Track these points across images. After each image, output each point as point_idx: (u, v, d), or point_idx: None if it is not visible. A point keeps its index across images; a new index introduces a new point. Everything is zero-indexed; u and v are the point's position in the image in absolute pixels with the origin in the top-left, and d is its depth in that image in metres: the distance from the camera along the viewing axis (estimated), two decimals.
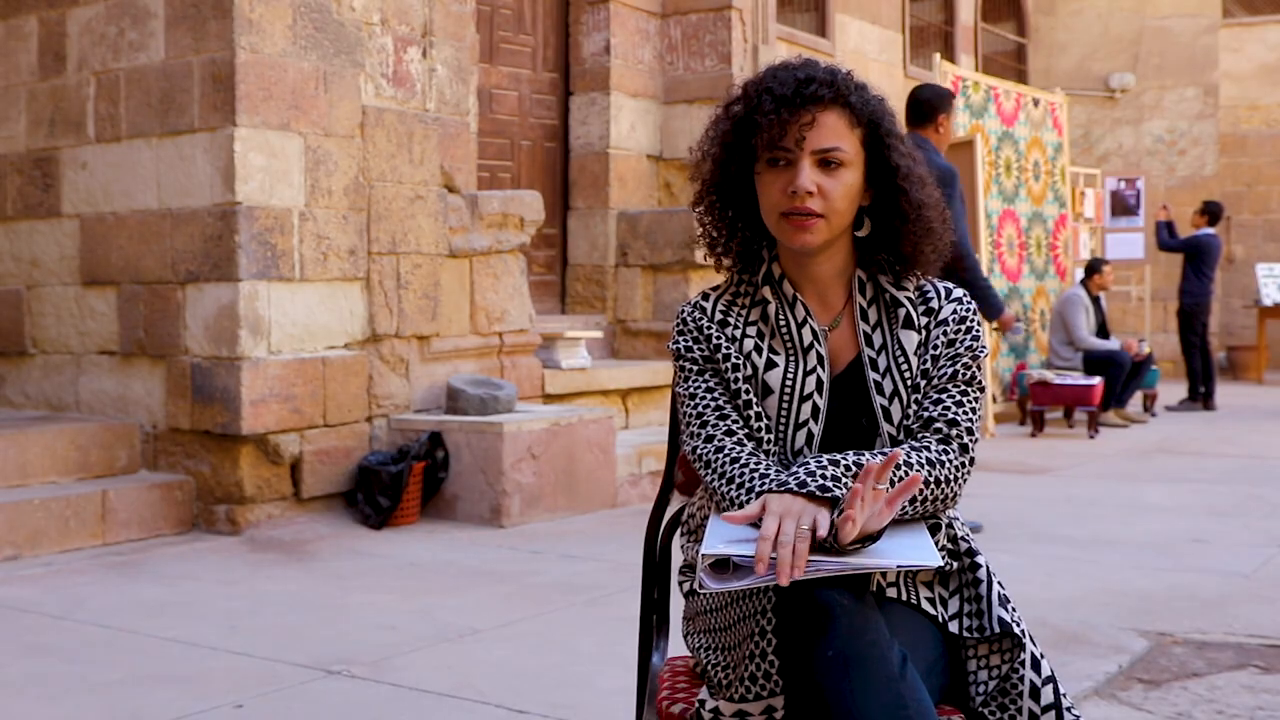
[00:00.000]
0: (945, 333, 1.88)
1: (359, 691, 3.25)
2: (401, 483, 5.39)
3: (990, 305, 5.66)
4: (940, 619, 1.78)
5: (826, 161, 1.81)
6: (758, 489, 1.73)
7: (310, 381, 5.50)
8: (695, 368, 1.91)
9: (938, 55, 9.31)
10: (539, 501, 5.67)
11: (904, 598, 1.77)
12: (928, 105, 5.38)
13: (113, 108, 5.64)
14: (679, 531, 2.06)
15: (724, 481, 1.80)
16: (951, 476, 1.80)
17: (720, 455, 1.83)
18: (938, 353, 1.87)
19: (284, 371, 5.40)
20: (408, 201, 5.93)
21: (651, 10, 8.36)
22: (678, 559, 2.01)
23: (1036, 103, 10.19)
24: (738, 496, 1.77)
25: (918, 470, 1.75)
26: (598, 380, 7.02)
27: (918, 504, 1.76)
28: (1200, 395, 11.11)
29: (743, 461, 1.80)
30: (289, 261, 5.43)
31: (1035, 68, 14.51)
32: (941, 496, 1.80)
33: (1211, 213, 11.29)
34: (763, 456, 1.83)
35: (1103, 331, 9.86)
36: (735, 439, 1.84)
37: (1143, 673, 3.42)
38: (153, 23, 5.48)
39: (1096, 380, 9.14)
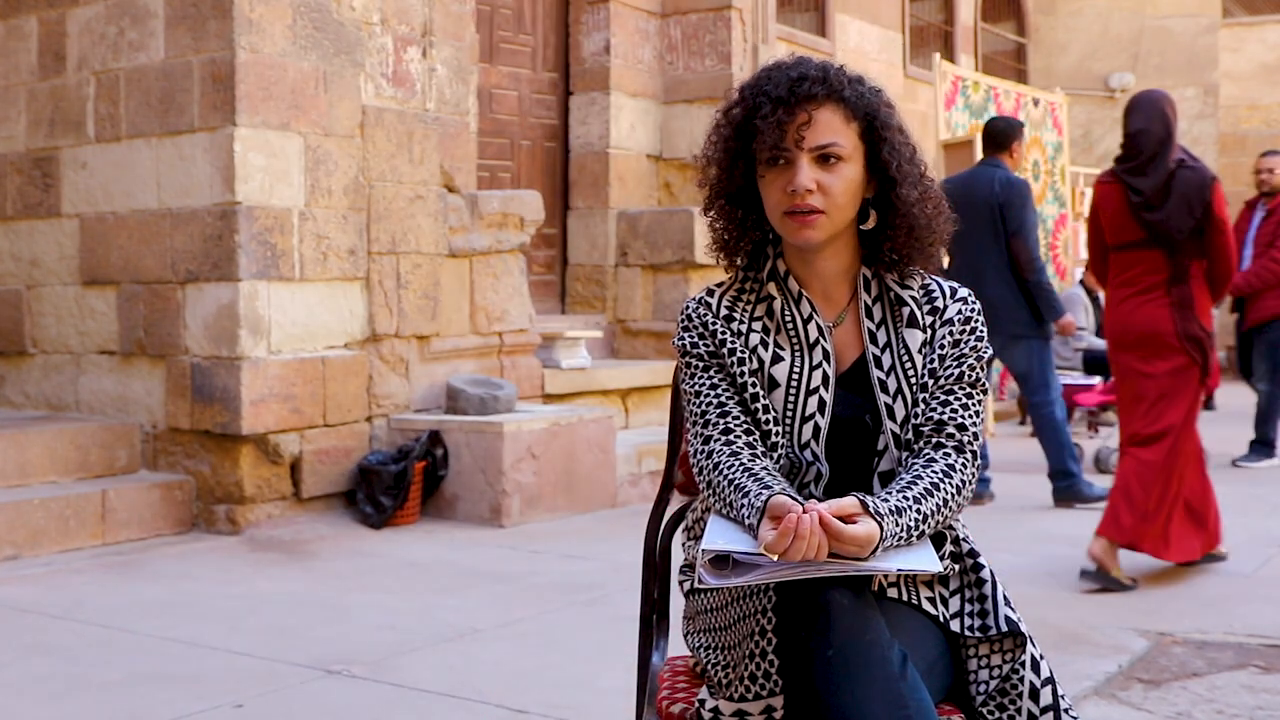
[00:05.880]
0: (951, 333, 1.88)
1: (359, 691, 3.25)
2: (403, 482, 5.39)
3: (1052, 307, 6.21)
4: (941, 618, 1.78)
5: (825, 158, 1.81)
6: (745, 519, 1.73)
7: (310, 381, 5.50)
8: (701, 364, 1.90)
9: (938, 55, 9.31)
10: (539, 501, 5.67)
11: (904, 598, 1.77)
12: (1002, 135, 6.29)
13: (113, 107, 5.64)
14: (679, 530, 2.06)
15: (711, 492, 1.82)
16: (965, 483, 1.81)
17: (708, 462, 1.83)
18: (944, 353, 1.87)
19: (284, 371, 5.40)
20: (407, 201, 5.93)
21: (651, 10, 8.35)
22: (678, 558, 2.01)
23: (1036, 102, 10.19)
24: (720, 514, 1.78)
25: (942, 488, 1.77)
26: (597, 380, 7.02)
27: (939, 515, 1.76)
28: None
29: (733, 480, 1.78)
30: (289, 261, 5.43)
31: (1035, 67, 14.50)
32: (958, 506, 1.81)
33: None
34: (751, 463, 1.81)
35: (1103, 331, 9.84)
36: (733, 449, 1.83)
37: (1143, 673, 3.42)
38: (152, 22, 5.48)
39: (1096, 380, 9.13)
